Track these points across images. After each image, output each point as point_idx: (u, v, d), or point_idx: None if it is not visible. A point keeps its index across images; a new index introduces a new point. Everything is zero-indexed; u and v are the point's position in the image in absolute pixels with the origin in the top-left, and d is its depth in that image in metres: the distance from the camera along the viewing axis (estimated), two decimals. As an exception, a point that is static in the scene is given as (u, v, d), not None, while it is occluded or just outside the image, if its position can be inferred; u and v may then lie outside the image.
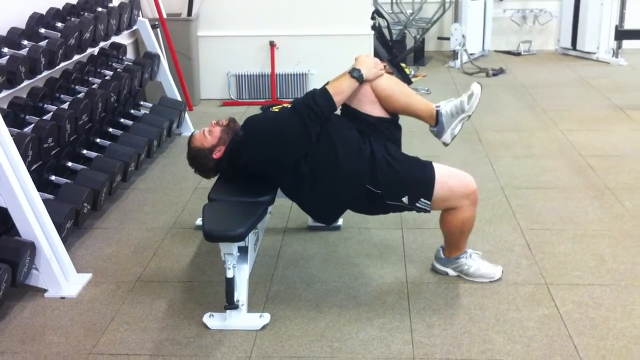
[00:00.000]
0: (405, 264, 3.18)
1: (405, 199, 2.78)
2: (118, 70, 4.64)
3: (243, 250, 2.78)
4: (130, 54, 5.47)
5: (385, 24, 7.08)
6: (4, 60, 3.32)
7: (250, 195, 2.85)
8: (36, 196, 3.02)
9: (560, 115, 5.44)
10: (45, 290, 3.01)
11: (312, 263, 3.23)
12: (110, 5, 4.70)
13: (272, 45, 6.01)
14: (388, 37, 6.97)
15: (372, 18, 6.27)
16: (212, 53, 6.10)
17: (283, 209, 3.69)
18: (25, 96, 3.64)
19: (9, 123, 3.11)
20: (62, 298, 2.99)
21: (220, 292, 2.81)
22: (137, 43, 5.74)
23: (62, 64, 3.83)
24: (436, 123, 2.86)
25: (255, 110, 5.49)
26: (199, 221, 3.63)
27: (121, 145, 4.18)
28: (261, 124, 2.89)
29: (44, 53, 3.55)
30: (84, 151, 3.95)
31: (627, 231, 3.43)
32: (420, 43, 7.49)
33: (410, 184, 2.78)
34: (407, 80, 6.47)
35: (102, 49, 4.65)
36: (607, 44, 7.34)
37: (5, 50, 3.44)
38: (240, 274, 2.76)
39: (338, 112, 2.89)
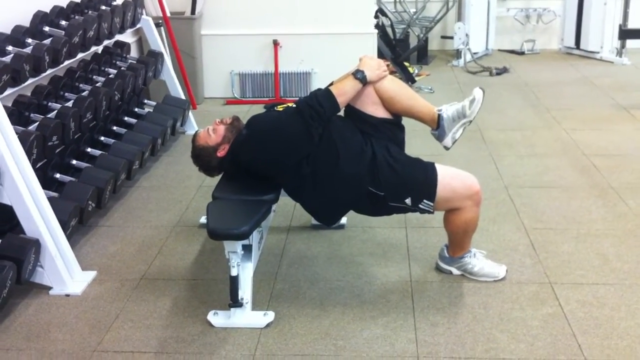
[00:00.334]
0: (409, 263, 3.18)
1: (408, 201, 2.78)
2: (122, 68, 4.64)
3: (247, 249, 2.79)
4: (134, 53, 5.47)
5: (389, 22, 7.07)
6: (8, 59, 3.33)
7: (254, 194, 2.86)
8: (41, 194, 3.03)
9: (563, 114, 5.43)
10: (50, 288, 3.02)
11: (316, 261, 3.23)
12: (114, 3, 4.70)
13: (275, 44, 6.01)
14: (391, 36, 6.96)
15: (376, 17, 6.26)
16: (215, 52, 6.10)
17: (287, 207, 3.69)
18: (29, 94, 3.65)
19: (13, 121, 3.11)
20: (67, 295, 3.00)
21: (224, 290, 2.81)
22: (141, 41, 5.75)
23: (66, 62, 3.83)
24: (437, 127, 2.86)
25: (259, 108, 5.51)
26: (203, 219, 3.64)
27: (125, 143, 4.18)
28: (263, 123, 2.90)
29: (48, 51, 3.55)
30: (89, 149, 3.96)
31: (630, 230, 3.43)
32: (423, 42, 7.48)
33: (412, 186, 2.78)
34: (410, 79, 6.46)
35: (106, 47, 4.65)
36: (610, 43, 7.32)
37: (10, 48, 3.44)
38: (245, 272, 2.77)
39: (341, 113, 2.90)
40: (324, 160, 2.79)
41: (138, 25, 5.05)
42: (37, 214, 2.96)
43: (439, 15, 7.39)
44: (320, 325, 2.71)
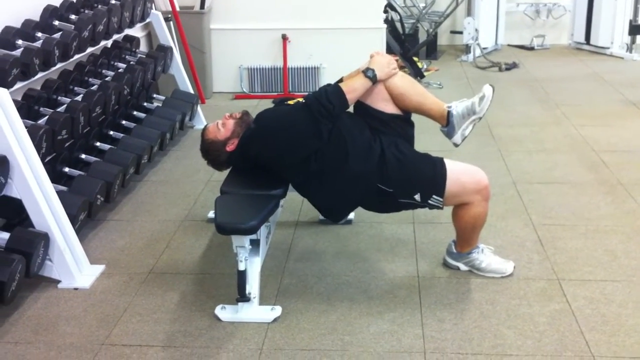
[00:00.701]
0: (416, 259, 3.18)
1: (417, 197, 2.78)
2: (131, 63, 4.65)
3: (255, 243, 2.80)
4: (143, 47, 5.49)
5: (398, 17, 7.06)
6: (18, 52, 3.34)
7: (262, 189, 2.86)
8: (50, 188, 3.04)
9: (573, 110, 5.41)
10: (58, 281, 3.04)
11: (323, 257, 3.24)
12: (124, -3, 4.72)
13: (284, 38, 6.01)
14: (400, 31, 6.95)
15: (385, 11, 6.25)
16: (224, 46, 6.10)
17: (295, 202, 3.69)
18: (39, 88, 3.66)
19: (23, 115, 3.13)
20: (76, 289, 3.01)
21: (232, 284, 2.82)
22: (150, 36, 5.76)
23: (76, 57, 3.85)
24: (447, 123, 2.86)
25: (267, 103, 5.51)
26: (211, 214, 3.65)
27: (134, 137, 4.20)
28: (272, 118, 2.90)
29: (58, 45, 3.56)
30: (98, 143, 3.97)
31: (639, 227, 3.41)
32: (432, 37, 7.47)
33: (421, 181, 2.78)
34: (419, 74, 6.45)
35: (115, 41, 4.66)
36: (621, 39, 7.28)
37: (20, 42, 3.45)
38: (252, 266, 2.77)
39: (350, 108, 2.90)
40: (332, 157, 2.79)
41: (147, 20, 5.07)
42: (46, 207, 2.98)
43: (449, 10, 7.36)
44: (327, 320, 2.72)
